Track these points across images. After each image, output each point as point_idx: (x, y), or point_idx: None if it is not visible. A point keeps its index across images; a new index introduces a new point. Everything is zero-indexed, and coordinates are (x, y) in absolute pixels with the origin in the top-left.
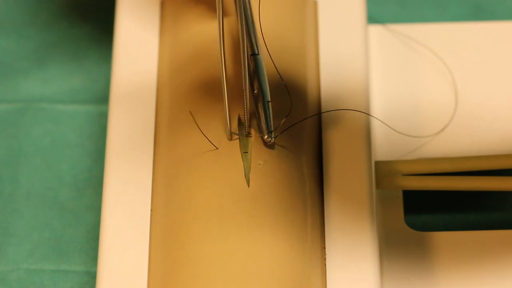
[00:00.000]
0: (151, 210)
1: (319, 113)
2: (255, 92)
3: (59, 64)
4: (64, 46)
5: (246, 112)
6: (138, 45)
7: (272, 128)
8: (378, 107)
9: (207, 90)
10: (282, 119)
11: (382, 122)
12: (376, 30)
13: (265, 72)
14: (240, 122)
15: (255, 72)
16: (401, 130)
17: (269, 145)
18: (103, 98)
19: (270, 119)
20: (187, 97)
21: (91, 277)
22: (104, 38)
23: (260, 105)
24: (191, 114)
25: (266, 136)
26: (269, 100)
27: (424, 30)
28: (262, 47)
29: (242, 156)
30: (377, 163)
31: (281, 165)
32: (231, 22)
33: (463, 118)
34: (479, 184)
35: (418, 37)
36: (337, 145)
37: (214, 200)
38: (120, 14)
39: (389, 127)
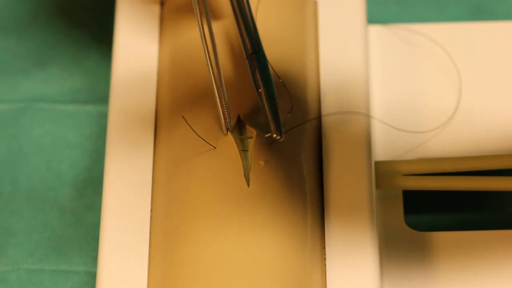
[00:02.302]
0: (151, 210)
1: (319, 116)
2: (259, 90)
3: (59, 64)
4: (64, 46)
5: (227, 109)
6: (138, 45)
7: (282, 124)
8: (379, 107)
9: (206, 89)
10: (284, 117)
11: (381, 121)
12: (376, 30)
13: (269, 69)
14: (240, 121)
15: (256, 70)
16: (399, 130)
17: (275, 143)
18: (103, 98)
19: (279, 115)
20: (187, 96)
21: (91, 277)
22: (104, 38)
23: (266, 103)
24: (184, 118)
25: (275, 135)
26: (275, 96)
27: (426, 30)
28: (264, 46)
29: (241, 156)
30: (377, 163)
31: (281, 165)
32: (230, 21)
33: (464, 118)
34: (479, 184)
35: (420, 36)
36: (337, 145)
37: (214, 200)
38: (120, 14)
39: (387, 124)
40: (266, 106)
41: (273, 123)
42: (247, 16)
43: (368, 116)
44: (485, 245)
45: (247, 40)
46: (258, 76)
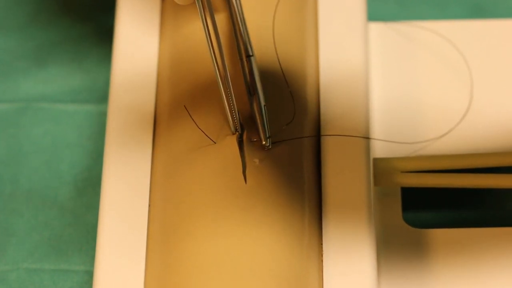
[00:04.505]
0: (149, 206)
1: (318, 135)
2: (252, 95)
3: (59, 63)
4: (64, 46)
5: (234, 111)
6: (138, 44)
7: (269, 134)
8: (379, 106)
9: (206, 86)
10: (284, 125)
11: (382, 140)
12: (376, 27)
13: (258, 75)
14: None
15: (251, 74)
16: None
17: (266, 148)
18: (103, 97)
19: (266, 124)
20: (186, 92)
21: (91, 276)
22: (104, 38)
23: (256, 109)
24: (186, 108)
25: (263, 142)
26: (265, 103)
27: (426, 27)
28: (264, 49)
29: (240, 154)
30: (376, 160)
31: (279, 161)
32: (227, 20)
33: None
34: (477, 182)
35: (420, 34)
36: (335, 142)
37: (211, 196)
38: (120, 13)
39: (389, 141)
40: (256, 112)
41: (262, 130)
42: (243, 18)
43: (368, 139)
44: (483, 243)
45: (241, 42)
46: (250, 80)
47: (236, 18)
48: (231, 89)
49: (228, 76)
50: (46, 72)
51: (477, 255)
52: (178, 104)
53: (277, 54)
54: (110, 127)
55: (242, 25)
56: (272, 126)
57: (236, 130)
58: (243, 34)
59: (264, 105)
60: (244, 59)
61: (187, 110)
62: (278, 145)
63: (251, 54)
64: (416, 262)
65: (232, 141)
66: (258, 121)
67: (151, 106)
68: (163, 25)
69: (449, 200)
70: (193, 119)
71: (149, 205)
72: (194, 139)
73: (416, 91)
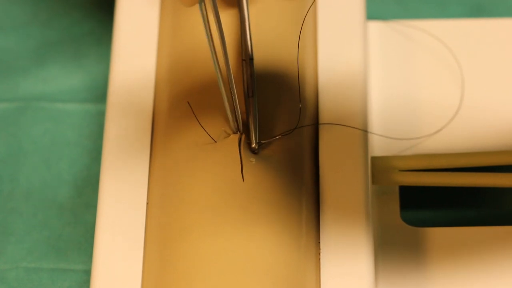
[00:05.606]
0: (147, 204)
1: (316, 124)
2: (250, 97)
3: (59, 63)
4: (64, 45)
5: (237, 110)
6: (137, 42)
7: (257, 140)
8: (378, 104)
9: (205, 85)
10: (284, 133)
11: (379, 134)
12: (376, 26)
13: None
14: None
15: (251, 76)
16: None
17: (255, 152)
18: (102, 97)
19: (256, 130)
20: (185, 90)
21: (89, 275)
22: (104, 37)
23: (251, 112)
24: (189, 104)
25: (253, 145)
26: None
27: (426, 26)
28: (262, 42)
29: (239, 152)
30: (374, 158)
31: (276, 160)
32: (231, 20)
33: (464, 117)
34: (475, 180)
35: (420, 32)
36: (333, 140)
37: (209, 194)
38: (119, 13)
39: (386, 136)
40: (251, 115)
41: (253, 134)
42: (249, 19)
43: (366, 132)
44: (481, 241)
45: (243, 44)
46: (249, 83)
47: (244, 20)
48: (234, 90)
49: (232, 77)
50: (46, 71)
51: (475, 254)
52: (177, 103)
53: (297, 63)
54: (109, 126)
55: (248, 27)
56: (273, 130)
57: (238, 130)
58: (248, 37)
59: (257, 110)
60: (248, 61)
61: (190, 107)
62: (277, 144)
63: (251, 57)
64: (414, 261)
65: (231, 140)
66: (251, 124)
67: (150, 105)
68: (163, 25)
69: (447, 199)
70: (195, 116)
71: (147, 204)
72: (192, 138)
73: (415, 90)
